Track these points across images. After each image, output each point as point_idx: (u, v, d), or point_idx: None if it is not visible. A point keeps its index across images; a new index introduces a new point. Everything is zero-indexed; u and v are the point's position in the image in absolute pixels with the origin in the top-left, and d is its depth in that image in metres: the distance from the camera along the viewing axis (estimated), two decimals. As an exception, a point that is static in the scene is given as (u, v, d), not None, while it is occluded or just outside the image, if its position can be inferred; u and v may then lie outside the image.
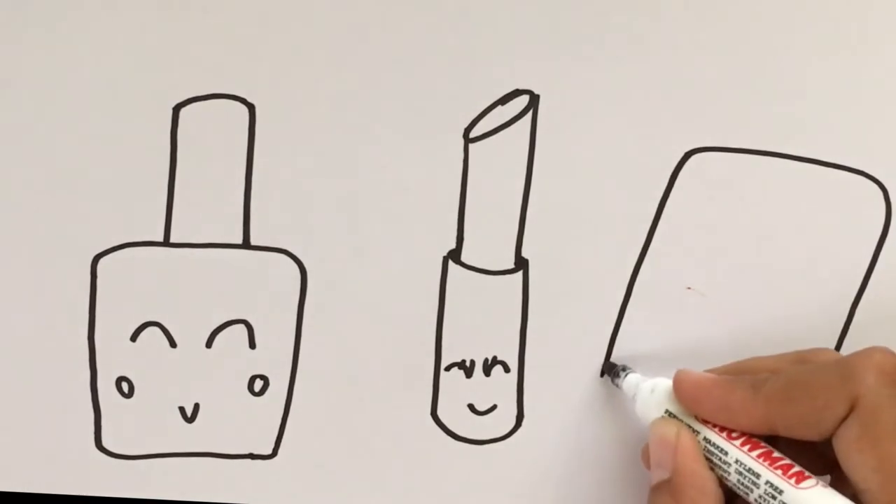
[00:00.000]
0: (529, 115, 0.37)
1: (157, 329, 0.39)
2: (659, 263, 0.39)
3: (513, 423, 0.40)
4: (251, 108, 0.37)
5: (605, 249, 0.38)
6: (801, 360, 0.36)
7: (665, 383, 0.36)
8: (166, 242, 0.38)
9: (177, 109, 0.37)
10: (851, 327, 0.39)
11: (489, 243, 0.38)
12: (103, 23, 0.36)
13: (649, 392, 0.36)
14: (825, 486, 0.31)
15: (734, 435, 0.33)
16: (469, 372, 0.40)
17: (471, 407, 0.40)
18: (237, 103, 0.37)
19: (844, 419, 0.31)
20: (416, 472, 0.40)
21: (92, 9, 0.36)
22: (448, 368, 0.39)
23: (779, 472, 0.32)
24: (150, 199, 0.38)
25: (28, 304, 0.38)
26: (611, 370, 0.39)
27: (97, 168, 0.37)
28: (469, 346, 0.39)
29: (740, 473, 0.33)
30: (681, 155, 0.38)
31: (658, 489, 0.34)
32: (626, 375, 0.38)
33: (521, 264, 0.39)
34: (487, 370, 0.39)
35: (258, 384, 0.39)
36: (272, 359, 0.39)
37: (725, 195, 0.38)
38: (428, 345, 0.39)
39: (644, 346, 0.39)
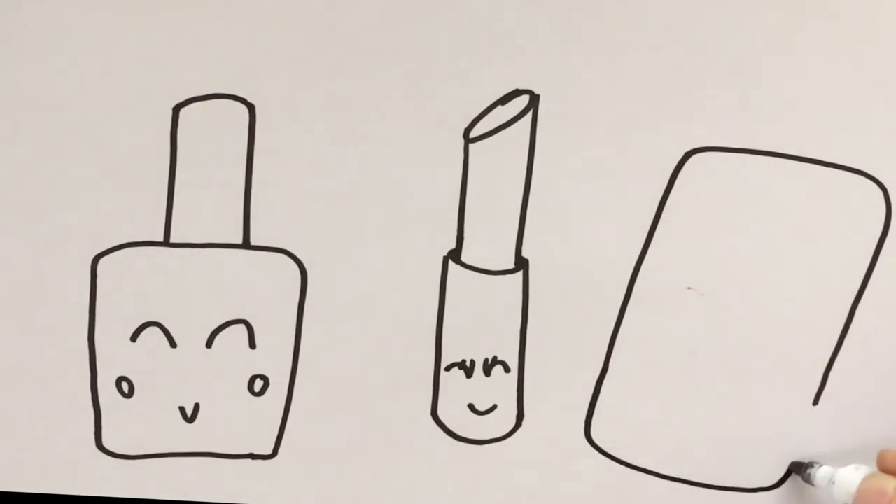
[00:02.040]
0: (529, 115, 0.37)
1: (157, 329, 0.39)
2: (659, 263, 0.39)
3: (513, 423, 0.40)
4: (251, 108, 0.37)
5: (605, 249, 0.38)
6: None
7: (857, 469, 0.38)
8: (166, 242, 0.38)
9: (177, 109, 0.37)
10: (851, 327, 0.39)
11: (489, 243, 0.38)
12: (103, 23, 0.36)
13: (844, 479, 0.38)
14: None
15: None
16: (469, 372, 0.40)
17: (471, 407, 0.40)
18: (237, 103, 0.37)
19: None
20: (416, 472, 0.40)
21: (92, 9, 0.36)
22: (448, 368, 0.39)
23: None
24: (150, 199, 0.38)
25: (28, 304, 0.38)
26: (798, 469, 0.40)
27: (97, 168, 0.37)
28: (469, 346, 0.39)
29: None
30: (681, 155, 0.38)
31: None
32: (817, 469, 0.39)
33: (521, 264, 0.39)
34: (487, 370, 0.39)
35: (258, 384, 0.39)
36: (272, 359, 0.39)
37: (725, 195, 0.38)
38: (428, 345, 0.39)
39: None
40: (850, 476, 0.37)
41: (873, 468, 0.38)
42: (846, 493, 0.37)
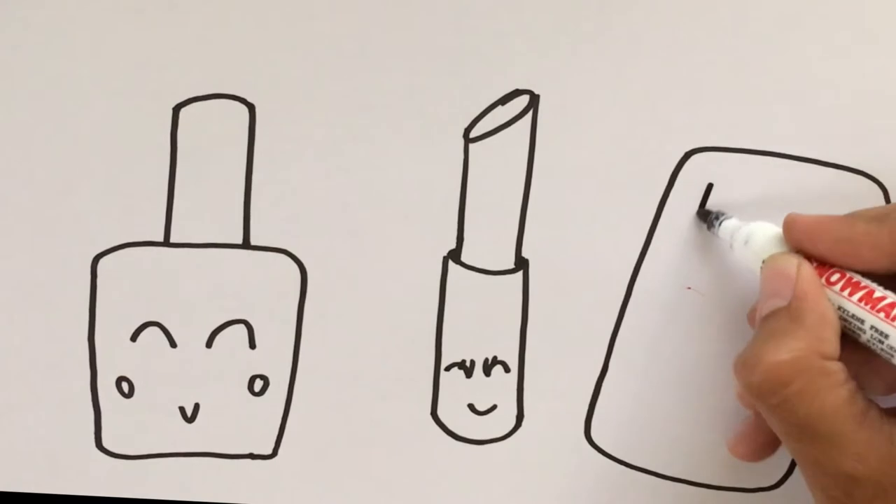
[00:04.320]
0: (529, 115, 0.37)
1: (157, 329, 0.39)
2: (659, 263, 0.39)
3: (513, 423, 0.40)
4: (251, 108, 0.37)
5: (605, 249, 0.38)
6: None
7: (766, 228, 0.35)
8: (166, 242, 0.38)
9: (177, 109, 0.37)
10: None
11: (489, 243, 0.38)
12: (103, 23, 0.36)
13: (745, 240, 0.35)
14: None
15: (833, 279, 0.32)
16: (469, 372, 0.40)
17: (471, 407, 0.40)
18: (237, 103, 0.37)
19: None
20: (416, 472, 0.40)
21: (92, 9, 0.36)
22: (448, 368, 0.39)
23: (881, 314, 0.31)
24: (150, 199, 0.38)
25: (28, 304, 0.38)
26: (706, 217, 0.37)
27: (97, 168, 0.37)
28: (469, 346, 0.39)
29: (845, 320, 0.32)
30: (681, 155, 0.38)
31: (773, 315, 0.33)
32: (722, 221, 0.36)
33: (521, 264, 0.39)
34: (487, 370, 0.39)
35: (258, 384, 0.39)
36: (272, 359, 0.39)
37: (725, 195, 0.38)
38: (428, 345, 0.39)
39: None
40: (760, 241, 0.34)
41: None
42: (753, 261, 0.35)
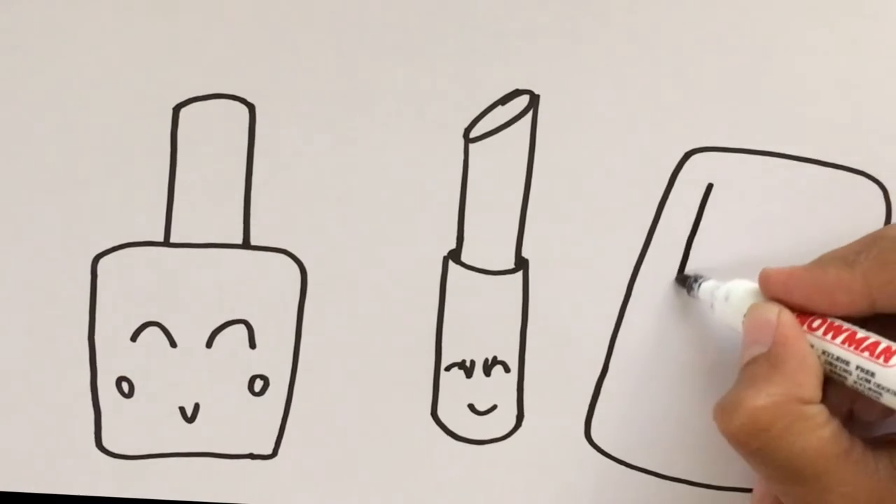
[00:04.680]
0: (529, 115, 0.37)
1: (157, 329, 0.39)
2: (659, 263, 0.39)
3: (513, 423, 0.40)
4: (251, 108, 0.37)
5: (605, 249, 0.38)
6: (878, 238, 0.35)
7: (744, 284, 0.35)
8: (166, 242, 0.38)
9: (177, 109, 0.37)
10: (851, 327, 0.39)
11: (489, 243, 0.38)
12: (103, 23, 0.36)
13: (725, 297, 0.35)
14: None
15: (814, 325, 0.33)
16: (469, 372, 0.40)
17: (471, 407, 0.40)
18: (237, 103, 0.37)
19: None
20: (416, 472, 0.40)
21: (92, 9, 0.36)
22: (448, 368, 0.39)
23: (866, 353, 0.31)
24: (150, 199, 0.38)
25: (28, 304, 0.38)
26: (684, 282, 0.38)
27: (97, 168, 0.37)
28: (469, 346, 0.39)
29: (830, 364, 0.32)
30: (681, 155, 0.38)
31: (754, 361, 0.33)
32: (700, 284, 0.37)
33: (521, 264, 0.39)
34: (487, 370, 0.39)
35: (258, 384, 0.39)
36: (272, 359, 0.39)
37: (725, 195, 0.38)
38: (428, 345, 0.39)
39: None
40: (739, 296, 0.35)
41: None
42: (734, 317, 0.35)
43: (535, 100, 0.37)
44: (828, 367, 0.32)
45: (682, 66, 0.37)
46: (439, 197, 0.38)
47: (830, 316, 0.33)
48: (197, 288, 0.38)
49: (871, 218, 0.38)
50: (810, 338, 0.33)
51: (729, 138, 0.38)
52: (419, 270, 0.38)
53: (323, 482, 0.40)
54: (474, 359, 0.39)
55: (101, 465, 0.40)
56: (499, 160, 0.38)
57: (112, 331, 0.39)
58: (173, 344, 0.39)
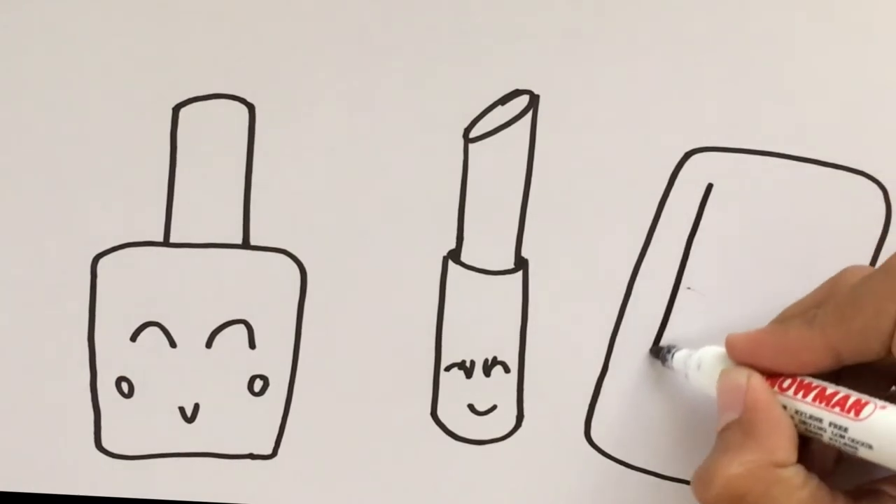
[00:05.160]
0: (529, 115, 0.37)
1: (157, 329, 0.39)
2: (659, 263, 0.39)
3: (513, 423, 0.40)
4: (251, 108, 0.37)
5: (605, 249, 0.38)
6: (835, 285, 0.35)
7: (714, 350, 0.36)
8: (166, 242, 0.38)
9: (177, 109, 0.37)
10: (851, 327, 0.39)
11: (489, 243, 0.38)
12: (103, 23, 0.36)
13: (698, 365, 0.36)
14: (884, 407, 0.30)
15: (784, 385, 0.33)
16: (469, 372, 0.40)
17: (471, 407, 0.40)
18: (237, 103, 0.37)
19: None
20: (416, 472, 0.40)
21: (92, 9, 0.36)
22: (448, 368, 0.39)
23: (837, 409, 0.31)
24: (150, 199, 0.38)
25: (28, 304, 0.38)
26: (658, 353, 0.39)
27: (97, 168, 0.37)
28: (469, 346, 0.39)
29: (805, 423, 0.32)
30: (681, 155, 0.38)
31: (727, 428, 0.33)
32: (673, 354, 0.37)
33: (521, 264, 0.39)
34: (487, 370, 0.39)
35: (258, 384, 0.39)
36: (272, 359, 0.39)
37: (725, 195, 0.38)
38: (428, 345, 0.39)
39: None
40: (711, 363, 0.35)
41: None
42: (708, 384, 0.35)
43: (535, 100, 0.37)
44: (803, 427, 0.32)
45: (682, 66, 0.37)
46: (439, 197, 0.38)
47: (800, 374, 0.33)
48: (197, 288, 0.38)
49: (871, 218, 0.38)
50: (782, 398, 0.33)
51: (729, 138, 0.38)
52: (419, 270, 0.38)
53: (323, 482, 0.40)
54: (474, 359, 0.39)
55: (100, 465, 0.40)
56: (499, 160, 0.38)
57: (112, 331, 0.39)
58: (173, 344, 0.39)
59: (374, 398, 0.39)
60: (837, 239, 0.38)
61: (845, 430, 0.31)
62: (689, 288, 0.39)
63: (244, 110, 0.37)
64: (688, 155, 0.38)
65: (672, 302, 0.39)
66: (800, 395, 0.32)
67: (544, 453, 0.40)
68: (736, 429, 0.33)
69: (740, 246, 0.38)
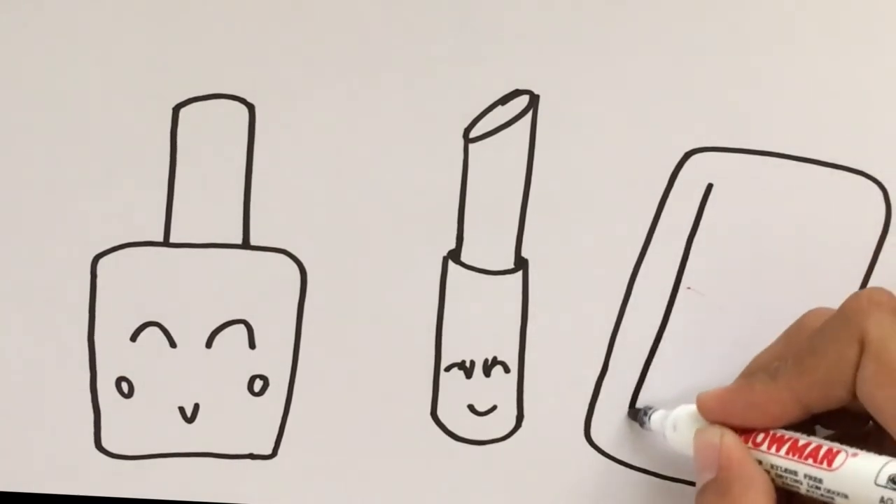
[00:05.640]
0: (529, 115, 0.37)
1: (157, 329, 0.39)
2: (659, 263, 0.39)
3: (513, 423, 0.40)
4: (251, 108, 0.37)
5: (605, 249, 0.38)
6: (798, 331, 0.36)
7: (688, 410, 0.36)
8: (166, 242, 0.38)
9: (177, 109, 0.37)
10: (851, 327, 0.39)
11: (489, 243, 0.38)
12: (103, 23, 0.36)
13: (673, 426, 0.36)
14: (855, 454, 0.30)
15: (758, 440, 0.33)
16: (469, 372, 0.40)
17: (471, 407, 0.40)
18: (237, 103, 0.37)
19: (859, 364, 0.31)
20: (416, 472, 0.40)
21: (92, 9, 0.36)
22: (448, 369, 0.39)
23: (810, 461, 0.31)
24: (150, 199, 0.38)
25: (28, 304, 0.38)
26: (636, 416, 0.39)
27: (97, 168, 0.37)
28: (469, 346, 0.39)
29: (780, 476, 0.32)
30: (681, 155, 0.38)
31: (705, 489, 0.34)
32: (651, 415, 0.38)
33: (521, 264, 0.39)
34: (487, 370, 0.39)
35: (258, 384, 0.39)
36: (272, 359, 0.39)
37: (725, 195, 0.38)
38: (428, 345, 0.39)
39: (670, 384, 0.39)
40: (686, 422, 0.36)
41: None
42: (686, 443, 0.35)
43: (535, 100, 0.37)
44: (780, 480, 0.32)
45: (683, 66, 0.37)
46: (439, 197, 0.38)
47: (772, 428, 0.33)
48: (197, 288, 0.38)
49: (871, 218, 0.38)
50: (756, 454, 0.33)
51: (729, 138, 0.38)
52: (419, 270, 0.38)
53: (323, 482, 0.40)
54: (474, 359, 0.39)
55: (100, 465, 0.40)
56: (499, 160, 0.38)
57: (112, 331, 0.39)
58: (173, 344, 0.39)
59: (374, 398, 0.39)
60: (837, 239, 0.38)
61: (820, 481, 0.31)
62: (689, 288, 0.39)
63: (244, 110, 0.37)
64: (688, 155, 0.38)
65: (672, 302, 0.39)
66: (773, 448, 0.33)
67: (544, 453, 0.40)
68: (712, 489, 0.33)
69: (740, 246, 0.38)
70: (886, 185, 0.38)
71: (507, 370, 0.40)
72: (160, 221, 0.38)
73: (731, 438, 0.34)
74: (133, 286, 0.38)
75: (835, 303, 0.39)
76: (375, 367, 0.39)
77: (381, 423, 0.40)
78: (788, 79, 0.37)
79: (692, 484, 0.40)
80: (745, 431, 0.34)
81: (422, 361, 0.39)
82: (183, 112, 0.37)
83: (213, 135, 0.37)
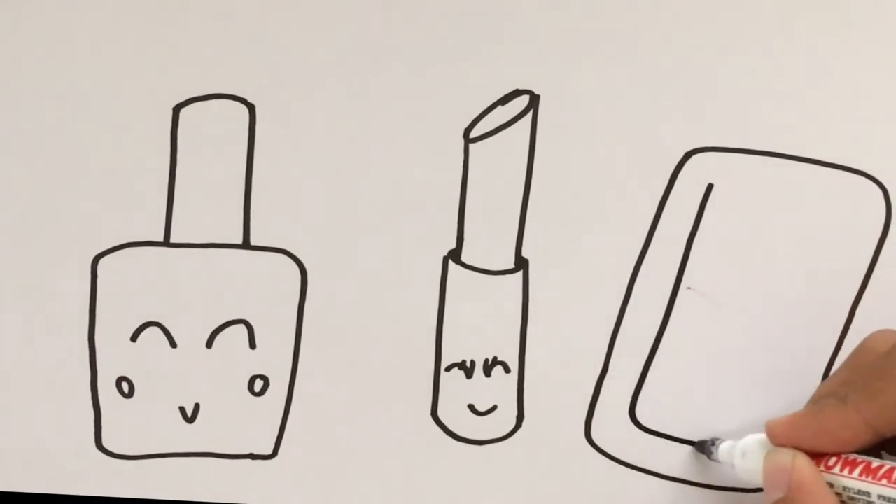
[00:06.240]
0: (529, 115, 0.37)
1: (157, 329, 0.39)
2: (659, 263, 0.39)
3: (513, 423, 0.40)
4: (251, 108, 0.37)
5: (605, 249, 0.38)
6: (863, 353, 0.35)
7: (756, 438, 0.36)
8: (166, 242, 0.38)
9: (177, 109, 0.37)
10: (851, 327, 0.39)
11: (489, 243, 0.38)
12: (104, 23, 0.36)
13: (742, 454, 0.36)
14: None
15: (830, 464, 0.33)
16: (469, 372, 0.40)
17: (471, 407, 0.40)
18: (237, 103, 0.37)
19: None
20: (416, 472, 0.40)
21: (92, 9, 0.36)
22: (448, 369, 0.39)
23: (884, 481, 0.32)
24: (150, 199, 0.38)
25: (28, 304, 0.38)
26: (702, 448, 0.39)
27: (97, 168, 0.37)
28: (469, 346, 0.39)
29: (853, 498, 0.33)
30: (681, 155, 0.38)
31: None
32: (718, 446, 0.38)
33: (521, 264, 0.39)
34: (487, 370, 0.39)
35: (258, 384, 0.39)
36: (272, 359, 0.39)
37: (725, 195, 0.38)
38: (428, 345, 0.39)
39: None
40: (755, 449, 0.36)
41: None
42: (755, 471, 0.36)
43: (535, 100, 0.37)
44: (851, 503, 0.33)
45: (683, 66, 0.37)
46: (439, 197, 0.38)
47: (844, 453, 0.33)
48: (197, 288, 0.38)
49: (871, 218, 0.38)
50: (828, 476, 0.33)
51: (729, 138, 0.38)
52: (419, 270, 0.38)
53: (323, 482, 0.40)
54: (474, 359, 0.39)
55: (100, 465, 0.40)
56: (499, 160, 0.38)
57: (112, 331, 0.39)
58: (173, 344, 0.39)
59: (375, 398, 0.39)
60: (837, 239, 0.38)
61: (892, 501, 0.31)
62: (689, 288, 0.39)
63: (244, 110, 0.37)
64: (688, 155, 0.38)
65: (672, 302, 0.39)
66: (846, 471, 0.33)
67: (544, 453, 0.40)
68: None
69: (740, 246, 0.38)
70: (887, 186, 0.38)
71: (507, 370, 0.40)
72: (160, 221, 0.38)
73: (802, 461, 0.34)
74: (133, 286, 0.38)
75: (835, 302, 0.39)
76: (376, 367, 0.39)
77: (381, 424, 0.40)
78: (788, 79, 0.37)
79: (692, 484, 0.40)
80: (815, 456, 0.34)
81: (422, 361, 0.39)
82: (183, 112, 0.37)
83: (213, 135, 0.37)
